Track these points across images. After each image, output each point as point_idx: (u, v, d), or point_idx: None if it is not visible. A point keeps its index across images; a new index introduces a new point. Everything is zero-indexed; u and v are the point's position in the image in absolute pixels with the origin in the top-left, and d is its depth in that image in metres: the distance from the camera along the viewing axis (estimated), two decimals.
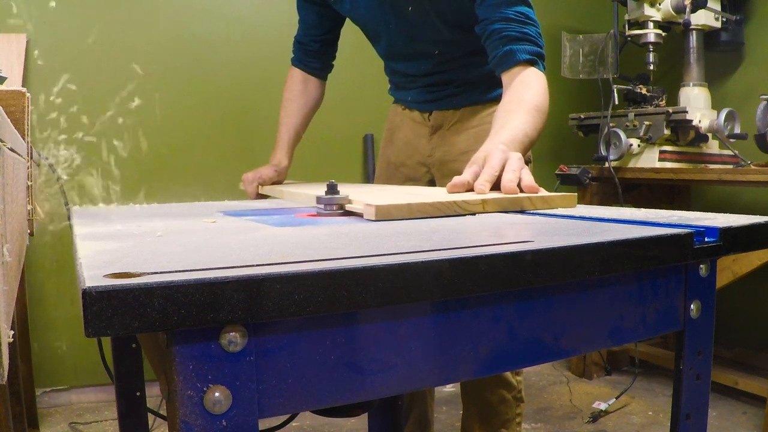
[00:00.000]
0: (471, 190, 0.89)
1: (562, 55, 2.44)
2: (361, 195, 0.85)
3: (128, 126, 2.35)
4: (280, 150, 1.50)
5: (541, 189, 0.87)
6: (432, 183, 1.51)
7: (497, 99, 1.39)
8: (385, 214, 0.72)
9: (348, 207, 0.82)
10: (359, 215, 0.82)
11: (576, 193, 0.86)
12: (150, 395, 1.33)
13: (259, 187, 1.41)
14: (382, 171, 1.59)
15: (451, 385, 2.27)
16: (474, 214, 0.78)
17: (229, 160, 2.42)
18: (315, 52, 1.53)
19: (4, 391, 1.41)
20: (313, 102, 1.56)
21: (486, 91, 1.41)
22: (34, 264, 2.25)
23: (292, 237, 0.60)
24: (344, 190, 0.88)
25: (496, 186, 0.88)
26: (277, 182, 1.45)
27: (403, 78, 1.49)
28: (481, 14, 1.18)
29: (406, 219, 0.73)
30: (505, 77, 1.16)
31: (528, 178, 0.87)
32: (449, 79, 1.41)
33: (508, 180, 0.86)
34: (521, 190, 0.86)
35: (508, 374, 1.45)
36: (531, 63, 1.14)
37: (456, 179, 0.90)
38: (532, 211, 0.81)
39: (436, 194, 0.89)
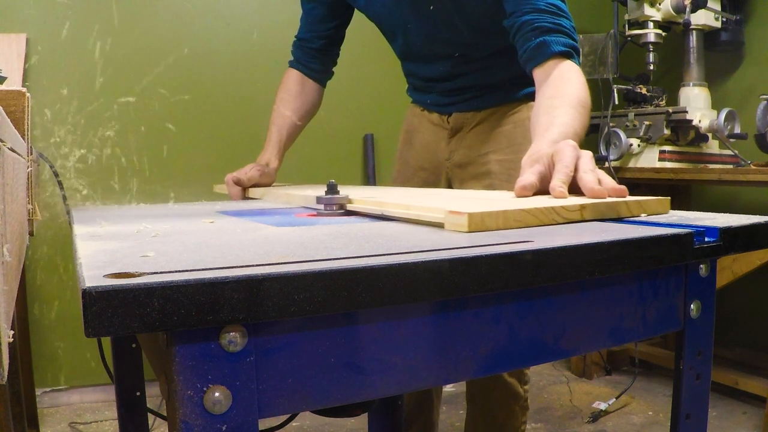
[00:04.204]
0: (540, 192, 0.80)
1: None
2: (417, 200, 0.77)
3: (127, 126, 2.35)
4: (270, 150, 1.39)
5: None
6: (450, 187, 1.44)
7: (521, 99, 1.35)
8: (479, 224, 0.61)
9: (419, 215, 0.69)
10: (360, 215, 0.82)
11: (669, 197, 0.74)
12: (150, 395, 1.33)
13: (248, 190, 1.31)
14: (400, 173, 1.52)
15: (451, 384, 2.27)
16: (571, 222, 0.67)
17: (228, 160, 2.42)
18: (317, 51, 1.44)
19: (4, 391, 1.41)
20: (310, 106, 1.46)
21: (509, 92, 1.35)
22: (34, 264, 2.25)
23: (291, 237, 0.60)
24: (373, 193, 0.83)
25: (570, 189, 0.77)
26: (262, 184, 1.33)
27: (421, 81, 1.43)
28: (509, 7, 1.09)
29: (502, 229, 0.62)
30: (539, 72, 1.05)
31: (608, 180, 0.76)
32: (470, 83, 1.35)
33: (591, 181, 0.75)
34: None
35: (516, 384, 1.41)
36: (566, 56, 1.04)
37: (524, 181, 0.79)
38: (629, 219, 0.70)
39: (505, 198, 0.79)
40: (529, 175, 0.80)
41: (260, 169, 1.33)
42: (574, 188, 0.77)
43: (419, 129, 1.49)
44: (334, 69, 1.52)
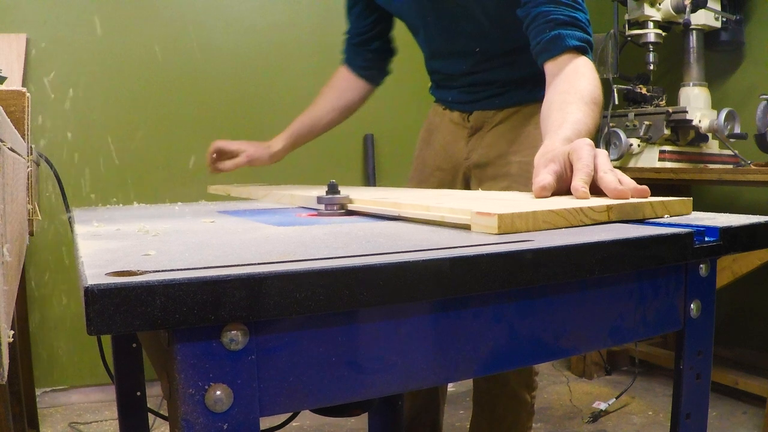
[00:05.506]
0: (556, 192, 0.78)
1: None
2: (432, 201, 0.75)
3: (127, 126, 2.35)
4: (282, 134, 1.42)
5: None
6: (467, 187, 1.42)
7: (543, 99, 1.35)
8: (509, 226, 0.59)
9: (442, 217, 0.67)
10: (360, 215, 0.82)
11: (691, 198, 0.72)
12: (150, 395, 1.33)
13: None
14: (417, 172, 1.50)
15: (451, 384, 2.27)
16: (598, 223, 0.65)
17: None
18: (357, 47, 1.47)
19: (4, 391, 1.41)
20: (347, 101, 1.48)
21: (532, 91, 1.31)
22: (34, 264, 2.25)
23: (292, 236, 0.60)
24: (381, 194, 0.81)
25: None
26: (254, 157, 1.38)
27: (443, 78, 1.41)
28: None
29: (531, 231, 0.60)
30: (551, 65, 1.03)
31: (628, 179, 0.74)
32: (491, 79, 1.32)
33: (613, 182, 0.73)
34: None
35: (524, 391, 1.39)
36: (581, 51, 1.02)
37: (542, 181, 0.77)
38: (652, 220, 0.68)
39: (523, 199, 0.78)
40: (546, 175, 0.77)
41: (258, 143, 1.37)
42: (593, 189, 0.75)
43: (440, 128, 1.47)
44: (388, 68, 1.53)
